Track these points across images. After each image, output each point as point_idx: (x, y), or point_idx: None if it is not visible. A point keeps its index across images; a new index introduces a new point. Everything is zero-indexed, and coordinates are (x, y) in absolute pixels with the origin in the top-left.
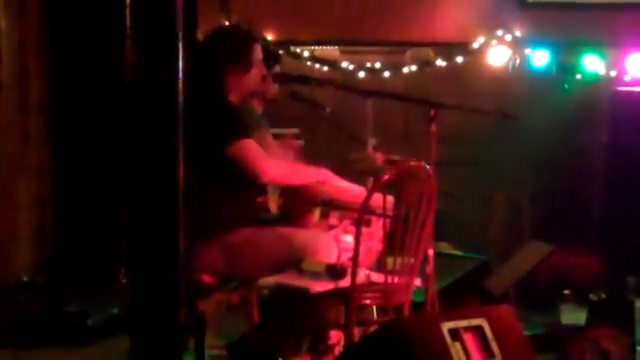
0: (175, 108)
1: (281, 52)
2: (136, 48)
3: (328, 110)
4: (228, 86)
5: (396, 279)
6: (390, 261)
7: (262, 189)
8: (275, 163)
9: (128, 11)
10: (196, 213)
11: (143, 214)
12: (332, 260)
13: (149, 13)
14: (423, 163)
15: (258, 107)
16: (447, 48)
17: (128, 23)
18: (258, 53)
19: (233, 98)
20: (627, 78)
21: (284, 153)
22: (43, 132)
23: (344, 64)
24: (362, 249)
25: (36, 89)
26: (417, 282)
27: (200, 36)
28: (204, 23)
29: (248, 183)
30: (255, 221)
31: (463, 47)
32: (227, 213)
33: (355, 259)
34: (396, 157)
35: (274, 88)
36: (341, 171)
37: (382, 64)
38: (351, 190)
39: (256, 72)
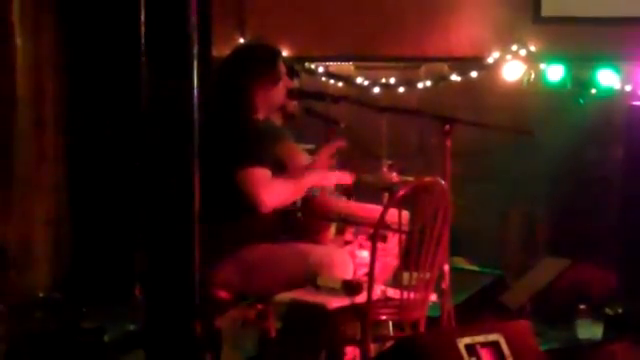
0: (191, 124)
1: (295, 67)
2: (151, 65)
3: (343, 126)
4: (257, 102)
5: (412, 295)
6: (406, 276)
7: None
8: (275, 192)
9: (143, 28)
10: (212, 229)
11: (159, 230)
12: (348, 276)
13: (164, 30)
14: (438, 178)
15: (277, 121)
16: (462, 63)
17: (143, 40)
18: (282, 67)
19: (261, 114)
20: None
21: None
22: (59, 149)
23: (359, 80)
24: (378, 265)
25: (51, 106)
26: (433, 297)
27: (215, 53)
28: (219, 40)
29: None
30: (271, 237)
31: (478, 62)
32: (243, 229)
33: (371, 275)
34: (411, 178)
35: (294, 104)
36: (356, 187)
37: (397, 79)
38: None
39: (282, 85)
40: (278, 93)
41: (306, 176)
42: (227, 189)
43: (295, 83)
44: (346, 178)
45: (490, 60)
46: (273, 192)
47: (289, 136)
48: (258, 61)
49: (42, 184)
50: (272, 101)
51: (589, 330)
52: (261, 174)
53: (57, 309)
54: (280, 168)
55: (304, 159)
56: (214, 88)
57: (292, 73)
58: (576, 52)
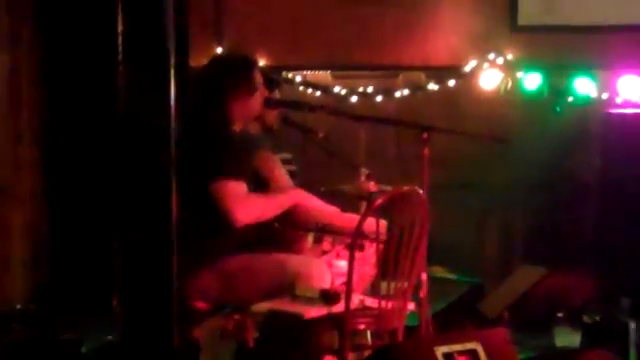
0: (168, 134)
1: (276, 77)
2: (128, 75)
3: (321, 135)
4: (233, 113)
5: (390, 304)
6: (384, 286)
7: None
8: (249, 207)
9: (120, 38)
10: (189, 241)
11: (136, 241)
12: (326, 285)
13: (141, 41)
14: (416, 187)
15: (256, 131)
16: (439, 72)
17: (120, 50)
18: (259, 77)
19: (238, 125)
20: (619, 100)
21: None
22: (36, 160)
23: (336, 89)
24: (355, 274)
25: (29, 116)
26: (411, 306)
27: (192, 63)
28: (196, 49)
29: None
30: (248, 248)
31: (455, 71)
32: (219, 240)
33: (349, 284)
34: (388, 187)
35: (273, 114)
36: (333, 196)
37: (374, 88)
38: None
39: (259, 95)
40: (254, 104)
41: (286, 193)
42: (202, 202)
43: (276, 94)
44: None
45: (467, 69)
46: (247, 207)
47: (267, 147)
48: (233, 72)
49: (19, 194)
50: (248, 112)
51: (567, 338)
52: (235, 188)
53: (34, 320)
54: (257, 179)
55: (279, 167)
56: (190, 99)
57: (273, 84)
58: (553, 60)
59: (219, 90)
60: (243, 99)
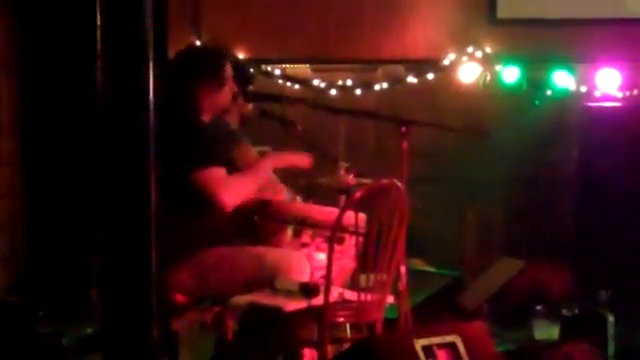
0: (147, 127)
1: (252, 70)
2: (107, 68)
3: (299, 128)
4: (201, 105)
5: (369, 296)
6: (363, 278)
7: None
8: (234, 189)
9: (99, 31)
10: (168, 233)
11: (115, 234)
12: (305, 278)
13: (119, 33)
14: (395, 180)
15: (234, 123)
16: (418, 65)
17: (99, 43)
18: (229, 71)
19: (206, 117)
20: (597, 93)
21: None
22: (14, 153)
23: (315, 82)
24: (335, 267)
25: (6, 110)
26: (390, 299)
27: (171, 55)
28: (174, 42)
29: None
30: (226, 240)
31: (434, 64)
32: (198, 233)
33: (328, 277)
34: (367, 180)
35: (248, 107)
36: (312, 190)
37: (353, 81)
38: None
39: (228, 89)
40: (223, 96)
41: (261, 161)
42: (180, 193)
43: (250, 88)
44: (303, 160)
45: (446, 62)
46: (232, 189)
47: (244, 139)
48: (202, 64)
49: None
50: (217, 104)
51: (545, 331)
52: (217, 173)
53: (14, 313)
54: (235, 171)
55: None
56: (163, 90)
57: (249, 78)
58: (532, 54)
59: (187, 82)
60: (211, 91)
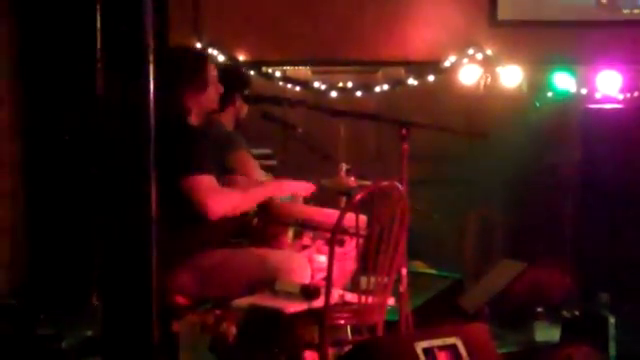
0: (147, 130)
1: (252, 72)
2: (107, 70)
3: (300, 130)
4: (187, 107)
5: (370, 299)
6: (364, 281)
7: None
8: (223, 199)
9: (99, 34)
10: (168, 235)
11: (116, 236)
12: (306, 280)
13: (120, 36)
14: (396, 182)
15: (230, 125)
16: (418, 67)
17: (99, 46)
18: (212, 71)
19: (195, 119)
20: (598, 95)
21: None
22: (14, 155)
23: (316, 84)
24: (336, 269)
25: (6, 112)
26: (391, 301)
27: None
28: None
29: None
30: (226, 243)
31: (434, 66)
32: (198, 235)
33: (329, 279)
34: (368, 182)
35: (244, 109)
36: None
37: (354, 84)
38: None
39: (212, 90)
40: (207, 98)
41: (261, 186)
42: (175, 196)
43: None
44: (305, 188)
45: (447, 64)
46: (221, 199)
47: (241, 142)
48: (182, 67)
49: None
50: (203, 106)
51: (546, 333)
52: (205, 181)
53: (14, 316)
54: (231, 176)
55: (255, 166)
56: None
57: (243, 80)
58: (532, 56)
59: (171, 84)
60: (195, 94)
